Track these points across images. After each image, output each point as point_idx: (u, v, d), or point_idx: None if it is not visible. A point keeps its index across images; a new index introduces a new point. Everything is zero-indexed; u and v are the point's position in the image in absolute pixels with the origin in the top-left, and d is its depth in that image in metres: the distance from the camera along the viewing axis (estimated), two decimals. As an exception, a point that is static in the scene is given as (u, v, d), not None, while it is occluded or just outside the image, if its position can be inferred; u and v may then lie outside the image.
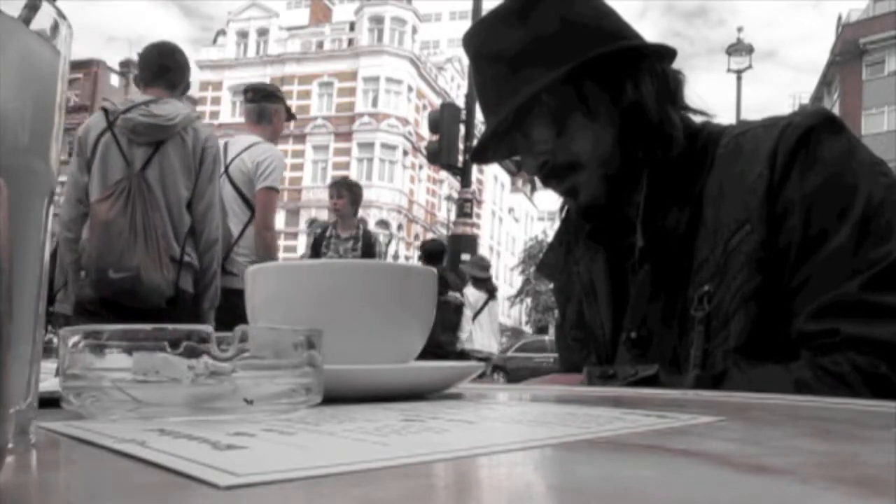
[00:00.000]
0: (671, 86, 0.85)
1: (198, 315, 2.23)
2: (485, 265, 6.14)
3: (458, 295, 5.31)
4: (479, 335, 5.74)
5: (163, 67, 2.32)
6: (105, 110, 2.20)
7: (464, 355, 5.16)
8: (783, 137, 0.75)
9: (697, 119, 0.88)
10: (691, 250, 0.79)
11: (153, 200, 2.10)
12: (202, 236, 2.24)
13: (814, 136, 0.75)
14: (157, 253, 2.07)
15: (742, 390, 0.67)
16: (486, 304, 5.85)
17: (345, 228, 4.04)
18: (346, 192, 4.04)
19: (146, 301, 2.09)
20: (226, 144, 2.72)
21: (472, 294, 5.82)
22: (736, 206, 0.76)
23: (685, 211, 0.81)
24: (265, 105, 2.91)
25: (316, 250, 4.01)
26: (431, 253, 5.13)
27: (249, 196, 2.69)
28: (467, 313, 5.66)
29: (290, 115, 3.14)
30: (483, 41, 0.87)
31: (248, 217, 2.70)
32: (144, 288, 2.07)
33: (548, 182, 0.88)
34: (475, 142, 1.20)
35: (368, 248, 4.05)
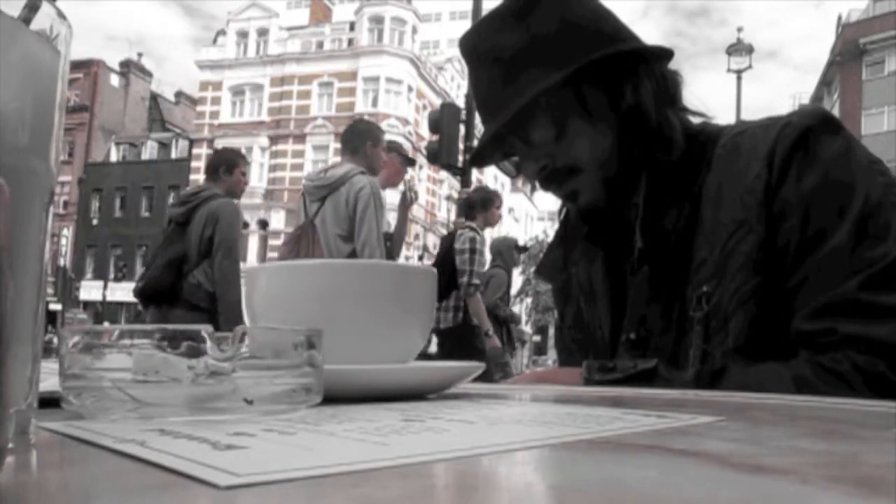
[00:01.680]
0: (670, 88, 0.85)
1: None
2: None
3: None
4: None
5: (347, 140, 3.12)
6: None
7: None
8: (781, 137, 0.75)
9: (696, 120, 0.87)
10: (690, 251, 0.79)
11: (316, 239, 2.95)
12: None
13: (812, 135, 0.75)
14: None
15: (741, 386, 0.67)
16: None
17: None
18: None
19: None
20: None
21: None
22: (734, 207, 0.76)
23: (683, 211, 0.81)
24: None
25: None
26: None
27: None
28: None
29: (408, 161, 3.56)
30: (480, 44, 0.87)
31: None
32: None
33: (547, 186, 0.87)
34: (475, 143, 1.20)
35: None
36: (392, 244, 3.43)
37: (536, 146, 0.85)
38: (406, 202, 3.53)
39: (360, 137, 3.08)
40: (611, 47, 0.82)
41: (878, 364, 0.66)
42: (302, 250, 2.93)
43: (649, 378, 0.75)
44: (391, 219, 3.36)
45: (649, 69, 0.83)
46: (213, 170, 3.29)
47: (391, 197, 3.72)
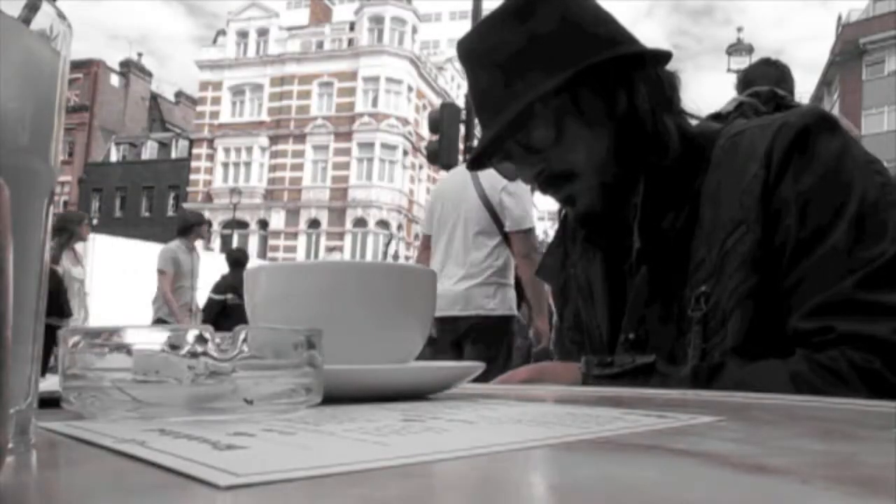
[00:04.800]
0: (667, 91, 0.84)
1: None
2: None
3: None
4: None
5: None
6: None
7: None
8: (778, 137, 0.75)
9: (694, 121, 0.87)
10: (688, 251, 0.79)
11: None
12: None
13: (809, 135, 0.75)
14: None
15: (739, 383, 0.67)
16: None
17: None
18: None
19: None
20: None
21: None
22: (732, 207, 0.76)
23: (682, 212, 0.81)
24: None
25: None
26: (237, 261, 5.17)
27: None
28: None
29: None
30: (479, 46, 0.86)
31: None
32: None
33: (544, 190, 0.87)
34: (475, 143, 1.20)
35: None
36: None
37: (533, 150, 0.84)
38: None
39: None
40: (606, 52, 0.82)
41: (875, 361, 0.67)
42: None
43: (647, 373, 0.75)
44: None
45: (646, 73, 0.83)
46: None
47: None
